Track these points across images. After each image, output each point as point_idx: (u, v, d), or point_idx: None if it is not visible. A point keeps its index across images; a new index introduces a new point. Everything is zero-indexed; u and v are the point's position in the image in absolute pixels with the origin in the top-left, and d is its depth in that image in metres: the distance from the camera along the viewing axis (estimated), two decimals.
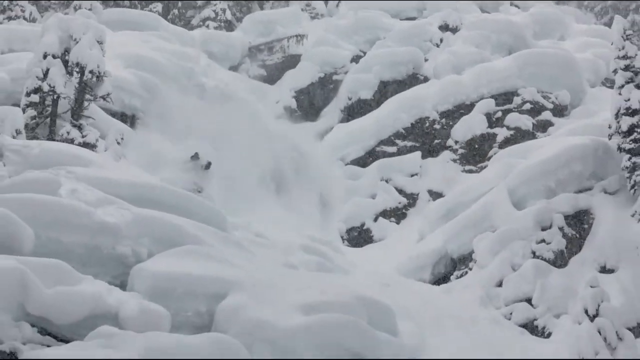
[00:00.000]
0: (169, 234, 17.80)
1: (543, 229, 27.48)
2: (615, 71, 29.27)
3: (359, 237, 34.46)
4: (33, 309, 14.24)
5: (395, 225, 34.72)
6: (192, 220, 19.09)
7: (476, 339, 21.71)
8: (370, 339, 15.96)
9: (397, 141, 37.83)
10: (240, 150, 33.46)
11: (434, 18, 45.07)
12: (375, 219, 34.83)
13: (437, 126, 37.95)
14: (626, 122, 28.18)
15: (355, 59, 43.73)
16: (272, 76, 44.52)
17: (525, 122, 36.72)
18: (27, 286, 14.11)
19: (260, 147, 34.46)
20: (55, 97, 27.09)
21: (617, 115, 28.61)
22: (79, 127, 27.49)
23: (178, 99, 34.29)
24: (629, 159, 27.93)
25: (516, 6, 52.27)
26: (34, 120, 27.19)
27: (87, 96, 28.00)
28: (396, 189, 35.84)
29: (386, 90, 40.32)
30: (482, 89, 38.04)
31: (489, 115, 37.19)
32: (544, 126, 36.87)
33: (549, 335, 24.58)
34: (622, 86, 28.75)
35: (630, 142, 28.01)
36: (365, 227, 34.65)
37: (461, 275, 28.72)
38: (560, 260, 26.92)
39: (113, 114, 30.81)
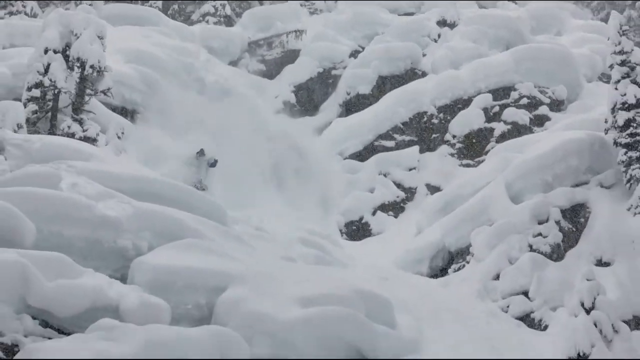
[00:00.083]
0: (170, 228, 17.81)
1: (540, 223, 27.49)
2: (611, 66, 29.26)
3: (357, 230, 34.47)
4: (34, 301, 14.26)
5: (393, 219, 34.73)
6: (193, 214, 19.11)
7: (473, 332, 21.73)
8: (368, 332, 16.00)
9: (395, 135, 37.82)
10: (240, 145, 33.48)
11: (431, 13, 45.00)
12: (374, 213, 34.83)
13: (435, 121, 37.95)
14: (622, 116, 28.19)
15: (354, 54, 43.69)
16: (272, 71, 44.46)
17: (522, 116, 36.72)
18: (29, 279, 14.13)
19: (260, 141, 34.49)
20: (56, 92, 27.09)
21: (613, 110, 28.61)
22: (80, 122, 27.49)
23: (178, 94, 34.29)
24: (625, 153, 27.95)
25: (514, 1, 52.22)
26: (35, 115, 27.21)
27: (88, 91, 28.01)
28: (394, 183, 35.84)
29: (384, 85, 40.29)
30: (479, 84, 38.01)
31: (486, 110, 37.20)
32: (540, 121, 36.88)
33: (546, 327, 24.60)
34: (619, 81, 28.76)
35: (627, 137, 28.03)
36: (363, 221, 34.65)
37: (459, 269, 28.73)
38: (556, 254, 26.94)
39: (113, 109, 30.81)
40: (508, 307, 25.61)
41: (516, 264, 26.42)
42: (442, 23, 44.26)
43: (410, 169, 36.30)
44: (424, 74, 40.70)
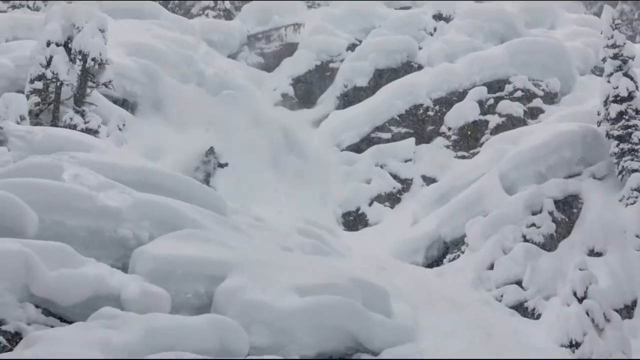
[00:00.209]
0: (169, 218, 17.81)
1: (533, 213, 27.52)
2: (604, 59, 29.28)
3: (354, 221, 34.49)
4: (37, 290, 14.27)
5: (389, 210, 34.73)
6: (192, 204, 19.11)
7: (468, 320, 21.76)
8: (365, 320, 16.02)
9: (392, 128, 37.81)
10: (239, 137, 33.46)
11: (427, 7, 44.97)
12: (370, 204, 34.85)
13: (430, 113, 37.94)
14: (614, 109, 28.22)
15: (351, 47, 43.64)
16: (270, 64, 44.41)
17: (517, 109, 36.72)
18: (32, 268, 14.14)
19: (259, 133, 34.46)
20: (58, 84, 27.05)
21: (605, 103, 28.64)
22: (82, 114, 27.46)
23: (178, 86, 34.26)
24: (617, 145, 27.98)
25: None
26: (37, 107, 27.17)
27: (90, 83, 27.97)
28: (391, 174, 35.84)
29: (381, 77, 40.26)
30: (474, 77, 37.99)
31: (481, 103, 37.19)
32: (534, 113, 36.89)
33: (539, 316, 24.66)
34: (611, 74, 28.78)
35: (619, 129, 28.05)
36: (360, 212, 34.67)
37: (454, 259, 28.77)
38: (550, 244, 26.98)
39: (115, 101, 30.78)
40: (502, 296, 25.66)
41: (510, 254, 26.46)
42: (438, 17, 44.23)
43: (406, 161, 36.30)
44: (420, 67, 40.68)
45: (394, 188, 35.46)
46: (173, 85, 33.90)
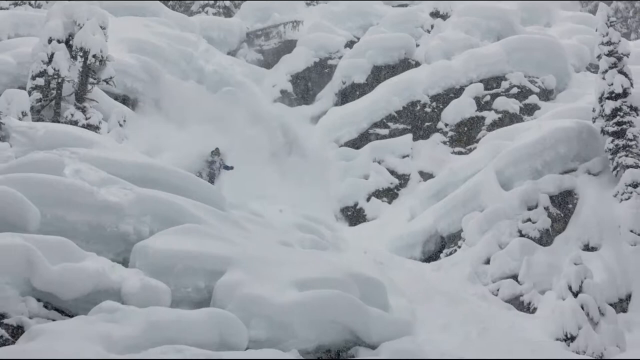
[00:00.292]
0: (170, 213, 17.80)
1: (529, 209, 27.55)
2: (599, 57, 29.27)
3: (352, 216, 34.50)
4: (39, 284, 14.27)
5: (387, 205, 34.74)
6: (192, 199, 19.09)
7: (464, 314, 21.77)
8: (362, 314, 16.03)
9: (389, 124, 37.81)
10: (238, 133, 33.44)
11: (425, 5, 44.99)
12: (368, 199, 34.86)
13: (427, 109, 37.92)
14: (609, 105, 28.21)
15: (349, 44, 43.64)
16: (269, 61, 44.39)
17: (513, 105, 36.72)
18: (34, 263, 14.14)
19: (258, 129, 34.44)
20: (59, 81, 27.06)
21: (600, 99, 28.64)
22: (83, 110, 27.47)
23: (178, 83, 34.25)
24: (612, 141, 27.98)
25: None
26: (39, 103, 27.17)
27: (91, 79, 27.98)
28: (388, 169, 35.85)
29: (379, 74, 40.25)
30: (471, 74, 37.99)
31: (477, 99, 37.17)
32: (530, 109, 36.88)
33: (534, 310, 24.67)
34: (606, 71, 28.77)
35: (613, 125, 28.05)
36: (358, 207, 34.68)
37: (450, 253, 28.79)
38: (545, 239, 26.99)
39: (115, 97, 30.78)
40: (498, 290, 25.68)
41: (506, 249, 26.48)
42: (435, 14, 44.23)
43: (403, 157, 36.30)
44: (417, 64, 40.66)
45: (392, 183, 35.47)
46: (173, 82, 33.89)
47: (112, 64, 28.15)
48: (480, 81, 37.64)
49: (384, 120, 37.84)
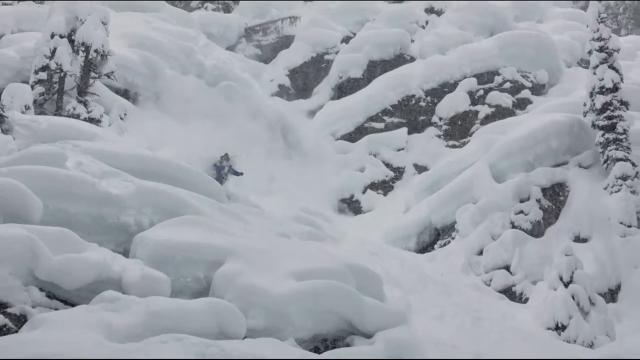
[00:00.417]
0: (170, 205, 17.77)
1: (521, 201, 27.59)
2: (590, 52, 29.30)
3: (348, 208, 34.51)
4: (42, 274, 14.24)
5: (382, 197, 34.76)
6: (192, 191, 19.07)
7: (458, 304, 21.79)
8: (358, 304, 15.99)
9: (385, 118, 37.80)
10: (237, 127, 33.42)
11: (420, 1, 44.94)
12: (364, 191, 34.87)
13: (422, 104, 37.91)
14: (600, 100, 28.24)
15: (346, 40, 43.59)
16: (267, 56, 44.34)
17: (506, 100, 36.75)
18: (36, 253, 14.11)
19: (256, 123, 34.39)
20: (62, 75, 27.00)
21: (591, 94, 28.68)
22: (85, 103, 27.42)
23: (178, 77, 34.17)
24: (603, 135, 28.02)
25: None
26: (42, 97, 27.13)
27: (92, 74, 27.93)
28: (384, 162, 35.87)
29: (375, 69, 40.23)
30: (465, 69, 38.00)
31: (471, 94, 37.20)
32: (523, 104, 36.93)
33: (526, 300, 24.73)
34: (597, 66, 28.81)
35: (604, 119, 28.08)
36: (354, 199, 34.69)
37: (444, 244, 28.83)
38: (537, 230, 27.04)
39: (116, 91, 30.70)
40: (491, 280, 25.73)
41: (499, 240, 26.53)
42: (430, 10, 44.24)
43: (399, 150, 36.31)
44: (412, 59, 40.65)
45: (387, 176, 35.47)
46: (173, 77, 33.81)
47: (113, 58, 28.10)
48: (474, 76, 37.66)
49: (380, 114, 37.84)
